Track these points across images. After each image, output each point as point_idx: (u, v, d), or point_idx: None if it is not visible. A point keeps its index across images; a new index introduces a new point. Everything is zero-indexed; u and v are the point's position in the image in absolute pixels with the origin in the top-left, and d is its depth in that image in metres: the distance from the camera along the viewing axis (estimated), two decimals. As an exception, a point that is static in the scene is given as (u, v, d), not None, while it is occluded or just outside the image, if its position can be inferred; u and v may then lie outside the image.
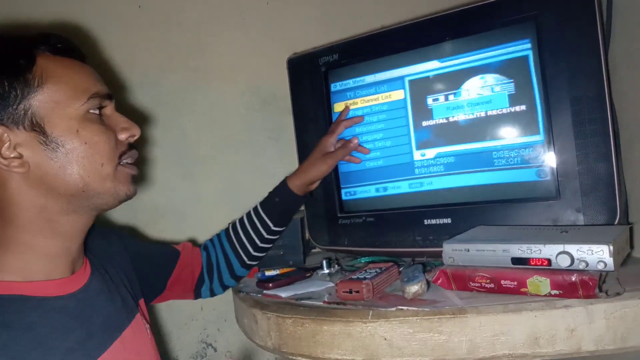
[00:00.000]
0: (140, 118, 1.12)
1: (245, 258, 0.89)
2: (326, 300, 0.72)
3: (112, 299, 0.70)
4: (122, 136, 0.66)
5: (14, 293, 0.58)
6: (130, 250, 0.83)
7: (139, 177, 0.72)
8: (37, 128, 0.60)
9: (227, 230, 0.93)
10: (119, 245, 0.82)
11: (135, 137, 0.68)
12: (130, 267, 0.80)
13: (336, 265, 0.90)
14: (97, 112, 0.65)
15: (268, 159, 1.20)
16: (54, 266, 0.63)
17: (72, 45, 0.67)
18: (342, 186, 0.95)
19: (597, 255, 0.59)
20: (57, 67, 0.63)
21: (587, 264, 0.59)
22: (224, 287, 0.91)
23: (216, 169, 1.18)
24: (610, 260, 0.58)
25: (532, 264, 0.63)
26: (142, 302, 0.79)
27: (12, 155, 0.58)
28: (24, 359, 0.54)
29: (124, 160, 0.66)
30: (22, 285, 0.59)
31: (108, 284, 0.72)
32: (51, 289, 0.61)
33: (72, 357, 0.59)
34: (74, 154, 0.61)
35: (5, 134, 0.58)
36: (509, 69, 0.79)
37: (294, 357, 0.70)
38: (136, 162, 0.69)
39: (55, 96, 0.61)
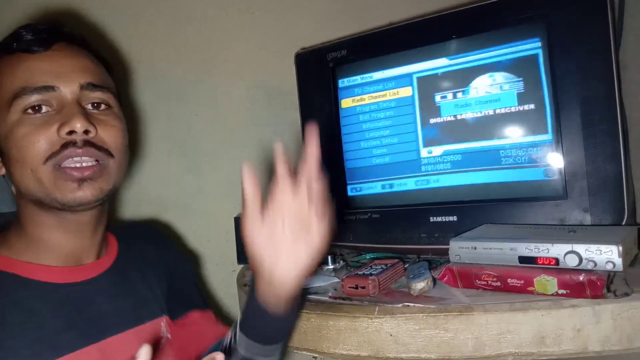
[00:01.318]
0: (146, 111, 1.12)
1: None
2: (331, 295, 0.72)
3: (121, 299, 0.68)
4: (61, 133, 0.59)
5: (8, 271, 0.60)
6: (172, 264, 0.81)
7: (105, 177, 0.63)
8: None
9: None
10: (164, 252, 0.81)
11: (77, 131, 0.59)
12: (165, 278, 0.78)
13: (341, 261, 0.90)
14: (32, 111, 0.59)
15: (273, 153, 1.19)
16: (54, 255, 0.64)
17: (25, 35, 0.62)
18: (347, 182, 0.95)
19: (606, 255, 0.58)
20: (4, 68, 0.62)
21: (596, 264, 0.59)
22: None
23: (221, 163, 1.18)
24: (619, 261, 0.58)
25: (540, 263, 0.63)
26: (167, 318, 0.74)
27: None
28: None
29: (64, 163, 0.59)
30: (16, 263, 0.61)
31: (126, 283, 0.70)
32: (43, 274, 0.62)
33: (39, 345, 0.58)
34: (10, 161, 0.61)
35: None
36: (518, 67, 0.78)
37: (299, 352, 0.70)
38: (91, 160, 0.60)
39: None
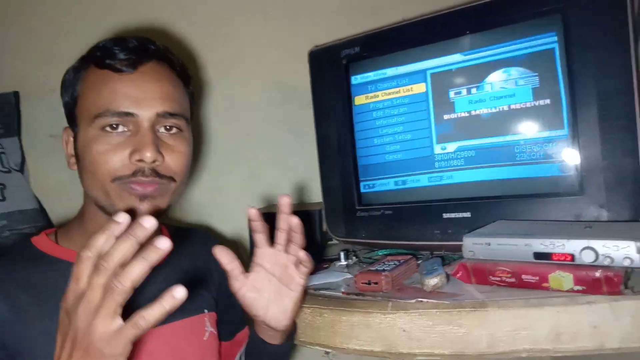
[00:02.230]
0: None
1: None
2: (344, 290, 0.72)
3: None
4: (132, 159, 0.65)
5: (71, 261, 0.64)
6: (222, 274, 0.84)
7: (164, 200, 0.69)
8: (76, 135, 0.69)
9: None
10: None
11: (145, 160, 0.65)
12: (214, 282, 0.83)
13: (354, 257, 0.90)
14: (110, 129, 0.65)
15: (288, 152, 1.20)
16: None
17: (117, 54, 0.67)
18: (360, 179, 0.95)
19: (624, 251, 0.57)
20: (92, 81, 0.68)
21: (613, 260, 0.58)
22: None
23: (237, 162, 1.20)
24: (637, 257, 0.57)
25: (555, 259, 0.62)
26: (213, 314, 0.80)
27: (72, 154, 0.71)
28: (52, 317, 0.59)
29: (131, 185, 0.65)
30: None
31: (174, 278, 0.73)
32: None
33: None
34: (83, 168, 0.68)
35: (70, 137, 0.70)
36: (534, 62, 0.77)
37: (312, 347, 0.71)
38: (153, 185, 0.66)
39: (81, 110, 0.68)
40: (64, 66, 0.72)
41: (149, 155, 0.64)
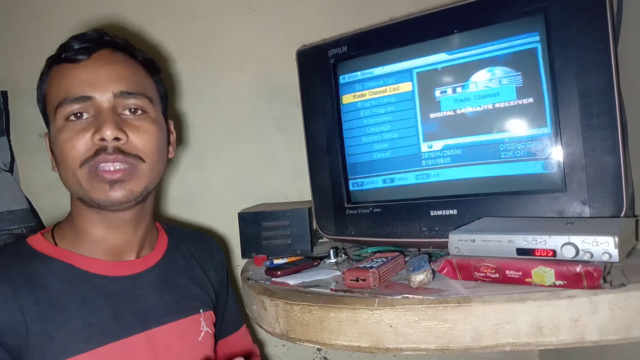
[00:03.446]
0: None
1: None
2: (333, 287, 0.73)
3: (166, 293, 0.74)
4: (94, 139, 0.65)
5: (66, 261, 0.68)
6: (219, 274, 0.88)
7: (133, 179, 0.68)
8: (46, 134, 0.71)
9: None
10: (214, 259, 0.88)
11: (106, 138, 0.64)
12: (212, 281, 0.85)
13: (343, 255, 0.91)
14: (74, 118, 0.66)
15: (276, 148, 1.21)
16: (100, 249, 0.70)
17: (73, 45, 0.68)
18: (349, 177, 0.96)
19: (602, 246, 0.59)
20: (53, 77, 0.69)
21: (592, 255, 0.60)
22: None
23: (225, 158, 1.20)
24: (615, 252, 0.59)
25: (537, 254, 0.64)
26: (209, 313, 0.81)
27: (51, 156, 0.71)
28: (49, 317, 0.63)
29: (97, 167, 0.65)
30: (73, 255, 0.69)
31: (172, 279, 0.76)
32: (97, 267, 0.69)
33: (90, 330, 0.65)
34: (57, 162, 0.69)
35: (48, 140, 0.71)
36: (517, 61, 0.79)
37: (301, 343, 0.72)
38: (121, 165, 0.66)
39: (48, 108, 0.69)
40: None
41: (108, 133, 0.64)
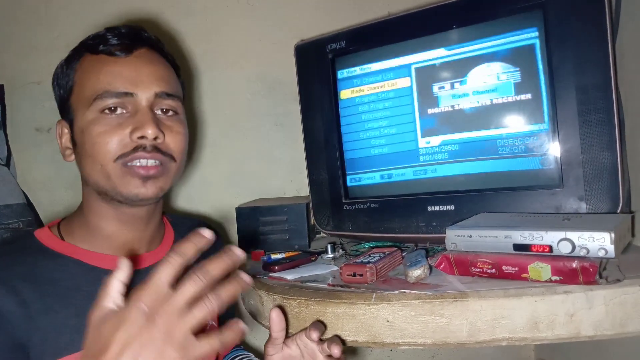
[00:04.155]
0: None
1: None
2: (330, 282, 0.74)
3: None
4: (133, 136, 0.65)
5: (75, 257, 0.67)
6: None
7: (166, 176, 0.68)
8: (72, 124, 0.68)
9: None
10: (216, 247, 0.86)
11: (147, 137, 0.65)
12: None
13: (340, 250, 0.92)
14: (109, 112, 0.66)
15: (274, 144, 1.21)
16: (111, 244, 0.70)
17: (111, 39, 0.68)
18: (347, 172, 0.96)
19: (599, 242, 0.60)
20: (88, 67, 0.68)
21: (588, 251, 0.60)
22: None
23: (222, 154, 1.20)
24: (611, 248, 0.59)
25: (534, 250, 0.64)
26: None
27: (67, 146, 0.70)
28: (56, 311, 0.62)
29: (131, 163, 0.65)
30: (80, 250, 0.68)
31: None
32: (105, 262, 0.68)
33: None
34: (83, 154, 0.67)
35: (65, 128, 0.70)
36: (516, 57, 0.79)
37: (298, 338, 0.72)
38: (156, 162, 0.66)
39: (78, 97, 0.68)
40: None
41: (150, 132, 0.65)
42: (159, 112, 0.69)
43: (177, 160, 0.70)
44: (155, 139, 0.66)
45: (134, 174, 0.65)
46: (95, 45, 0.68)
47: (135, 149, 0.65)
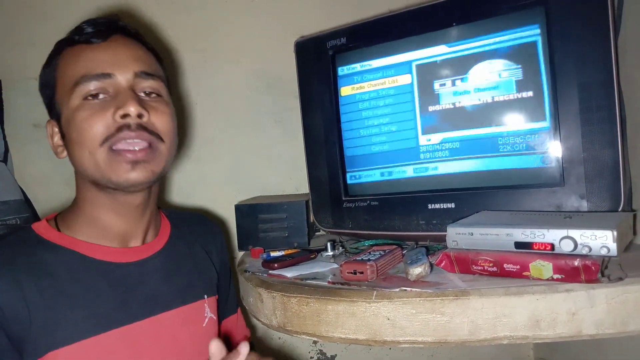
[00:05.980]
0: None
1: None
2: (330, 280, 0.73)
3: (171, 280, 0.74)
4: (116, 116, 0.64)
5: (71, 248, 0.67)
6: (220, 255, 0.88)
7: (156, 157, 0.67)
8: (59, 121, 0.68)
9: None
10: (214, 241, 0.88)
11: (130, 114, 0.64)
12: (213, 264, 0.84)
13: (340, 248, 0.91)
14: (92, 98, 0.65)
15: (273, 141, 1.20)
16: (107, 234, 0.70)
17: (86, 29, 0.68)
18: (347, 170, 0.96)
19: (601, 240, 0.59)
20: (67, 59, 0.68)
21: (590, 249, 0.60)
22: None
23: (221, 151, 1.19)
24: (613, 246, 0.59)
25: (535, 248, 0.64)
26: (213, 299, 0.80)
27: (59, 144, 0.69)
28: (53, 304, 0.62)
29: (116, 146, 0.64)
30: (78, 242, 0.68)
31: (176, 265, 0.76)
32: (102, 254, 0.68)
33: (96, 317, 0.65)
34: (71, 143, 0.67)
35: (55, 127, 0.69)
36: (517, 54, 0.78)
37: (298, 336, 0.71)
38: (143, 143, 0.65)
39: (61, 90, 0.67)
40: (46, 54, 0.71)
41: (132, 109, 0.64)
42: (142, 94, 0.68)
43: (166, 141, 0.68)
44: (139, 116, 0.65)
45: (122, 159, 0.64)
46: (72, 37, 0.68)
47: (120, 129, 0.64)
